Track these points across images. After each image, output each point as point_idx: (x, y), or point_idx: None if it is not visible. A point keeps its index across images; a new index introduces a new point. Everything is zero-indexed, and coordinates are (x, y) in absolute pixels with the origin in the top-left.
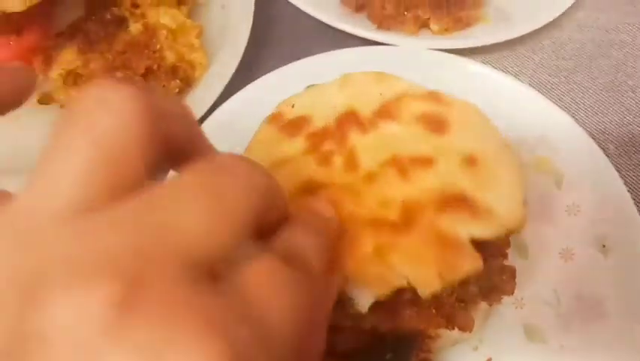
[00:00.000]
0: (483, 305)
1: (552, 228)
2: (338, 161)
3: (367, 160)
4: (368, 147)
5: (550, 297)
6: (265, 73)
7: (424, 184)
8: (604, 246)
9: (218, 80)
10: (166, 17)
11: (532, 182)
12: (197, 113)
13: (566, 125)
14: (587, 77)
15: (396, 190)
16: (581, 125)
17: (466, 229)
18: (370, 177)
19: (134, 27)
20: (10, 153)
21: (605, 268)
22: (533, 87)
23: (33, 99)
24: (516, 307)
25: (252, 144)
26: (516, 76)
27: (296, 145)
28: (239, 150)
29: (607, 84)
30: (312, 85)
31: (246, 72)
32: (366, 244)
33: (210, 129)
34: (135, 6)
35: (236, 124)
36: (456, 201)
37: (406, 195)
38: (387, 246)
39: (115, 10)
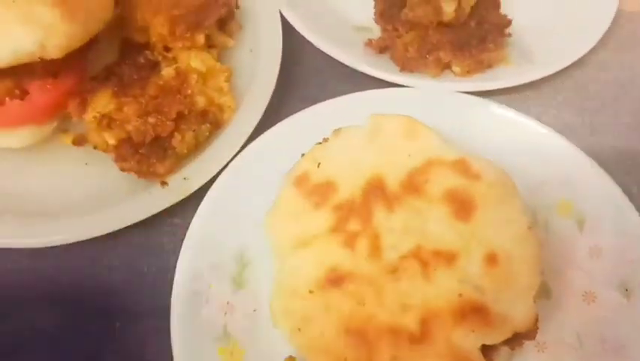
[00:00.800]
0: (505, 349)
1: (574, 270)
2: (362, 245)
3: (391, 248)
4: (393, 231)
5: (573, 340)
6: (291, 113)
7: (444, 285)
8: (626, 290)
9: (246, 123)
10: (197, 61)
11: (555, 225)
12: (227, 155)
13: (588, 168)
14: (611, 117)
15: (418, 290)
16: (603, 167)
17: (480, 340)
18: (393, 271)
19: (167, 71)
20: (45, 191)
21: (628, 311)
22: (557, 127)
23: (67, 140)
24: (538, 351)
25: (278, 209)
26: (539, 116)
27: (322, 221)
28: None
29: (631, 124)
30: (339, 129)
31: (272, 112)
32: (384, 354)
33: (238, 168)
34: (167, 49)
35: (264, 163)
36: (472, 313)
37: (426, 297)
38: (404, 359)
39: (148, 53)
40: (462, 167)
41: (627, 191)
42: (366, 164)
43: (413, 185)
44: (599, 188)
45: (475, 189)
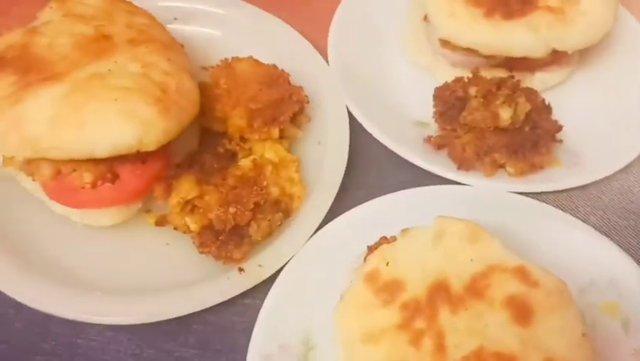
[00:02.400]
0: None
1: None
2: (428, 343)
3: (455, 347)
4: (457, 331)
5: None
6: (353, 200)
7: None
8: None
9: (315, 213)
10: (270, 152)
11: (601, 324)
12: (298, 244)
13: (633, 270)
14: None
15: None
16: None
17: None
18: None
19: (244, 162)
20: (129, 268)
21: None
22: (604, 228)
23: (151, 220)
24: None
25: (349, 302)
26: (587, 216)
27: (389, 317)
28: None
29: None
30: (406, 230)
31: (337, 200)
32: None
33: (306, 256)
34: (244, 140)
35: (329, 251)
36: None
37: None
38: None
39: (226, 143)
40: (522, 274)
41: None
42: (432, 265)
43: (476, 289)
44: None
45: (534, 296)
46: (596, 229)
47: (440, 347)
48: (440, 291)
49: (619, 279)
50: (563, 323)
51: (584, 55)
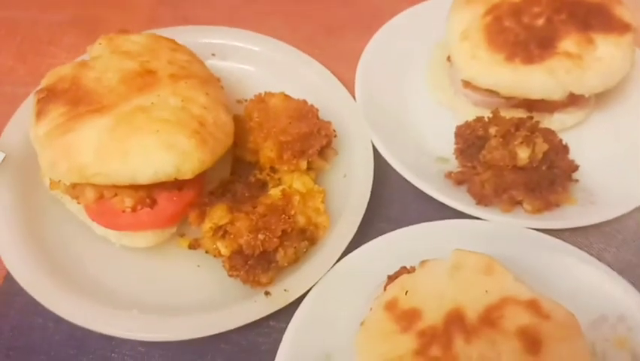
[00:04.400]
0: None
1: None
2: None
3: None
4: (470, 359)
5: None
6: (375, 231)
7: None
8: None
9: (339, 242)
10: (298, 182)
11: (612, 357)
12: (321, 271)
13: None
14: None
15: None
16: None
17: None
18: None
19: (274, 192)
20: (163, 288)
21: None
22: (617, 265)
23: (184, 243)
24: None
25: (369, 328)
26: (601, 253)
27: (407, 343)
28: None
29: None
30: (426, 261)
31: (359, 229)
32: None
33: (329, 282)
34: (273, 170)
35: (351, 278)
36: None
37: None
38: None
39: (257, 173)
40: (534, 306)
41: None
42: (448, 296)
43: (489, 319)
44: None
45: (545, 327)
46: (609, 265)
47: None
48: (455, 320)
49: (629, 314)
50: (571, 353)
51: (601, 97)
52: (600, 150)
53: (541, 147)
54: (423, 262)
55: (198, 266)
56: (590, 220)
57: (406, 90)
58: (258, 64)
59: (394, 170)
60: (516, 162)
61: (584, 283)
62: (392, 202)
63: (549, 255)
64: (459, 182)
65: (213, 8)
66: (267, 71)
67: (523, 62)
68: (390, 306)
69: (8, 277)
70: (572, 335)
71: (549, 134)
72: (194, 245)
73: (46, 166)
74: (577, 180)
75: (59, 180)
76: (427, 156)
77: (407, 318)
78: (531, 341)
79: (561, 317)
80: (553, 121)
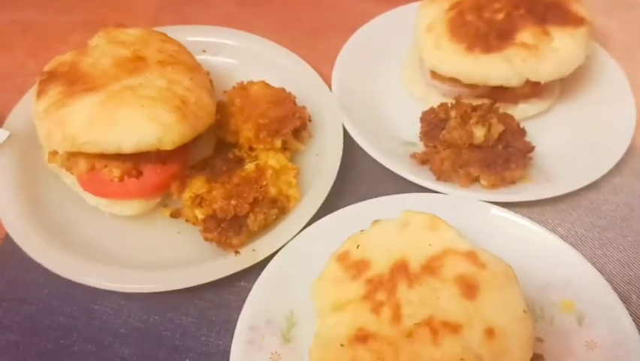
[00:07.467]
0: None
1: (572, 359)
2: (386, 312)
3: (409, 316)
4: (411, 303)
5: None
6: (343, 207)
7: (449, 350)
8: None
9: (307, 212)
10: (273, 160)
11: (558, 319)
12: (288, 235)
13: (591, 274)
14: (618, 235)
15: (427, 353)
16: (608, 275)
17: None
18: (409, 335)
19: (249, 166)
20: (145, 250)
21: None
22: (570, 238)
23: (167, 212)
24: None
25: (323, 278)
26: (555, 227)
27: (356, 289)
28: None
29: (636, 242)
30: (377, 221)
31: (332, 205)
32: None
33: (295, 246)
34: (252, 149)
35: (316, 243)
36: None
37: (434, 359)
38: None
39: (236, 151)
40: (472, 257)
41: (627, 297)
42: (395, 248)
43: (431, 268)
44: (599, 292)
45: (481, 275)
46: (562, 238)
47: (397, 316)
48: (400, 269)
49: (576, 281)
50: (506, 300)
51: (565, 90)
52: (560, 137)
53: (497, 127)
54: (375, 221)
55: (178, 233)
56: (542, 194)
57: (381, 83)
58: (245, 58)
59: (365, 153)
60: (473, 141)
61: (536, 252)
62: (362, 181)
63: (502, 226)
64: (422, 161)
65: (211, 12)
66: (252, 64)
67: (482, 51)
68: (342, 258)
69: (7, 239)
70: (507, 283)
71: (506, 118)
72: (175, 214)
73: (43, 137)
74: (531, 158)
75: (55, 152)
76: (397, 141)
77: (357, 268)
78: (468, 287)
79: (498, 268)
80: (516, 110)
